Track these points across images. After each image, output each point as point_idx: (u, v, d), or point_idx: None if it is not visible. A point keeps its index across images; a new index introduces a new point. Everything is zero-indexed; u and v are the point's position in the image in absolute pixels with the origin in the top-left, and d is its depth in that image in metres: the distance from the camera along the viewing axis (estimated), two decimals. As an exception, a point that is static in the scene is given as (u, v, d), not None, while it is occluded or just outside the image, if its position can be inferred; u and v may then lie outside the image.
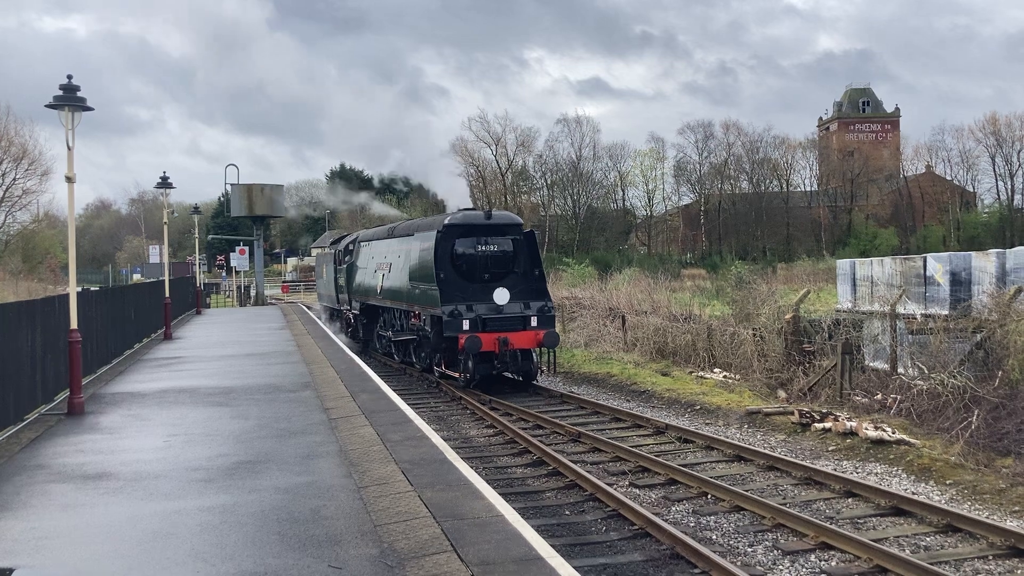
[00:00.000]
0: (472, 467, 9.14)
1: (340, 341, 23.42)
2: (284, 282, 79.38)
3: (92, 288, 24.14)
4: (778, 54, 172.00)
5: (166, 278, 28.52)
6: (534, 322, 18.22)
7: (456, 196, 22.17)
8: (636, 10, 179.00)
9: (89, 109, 12.55)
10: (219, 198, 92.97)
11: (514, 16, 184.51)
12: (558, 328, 20.03)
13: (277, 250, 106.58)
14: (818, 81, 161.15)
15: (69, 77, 12.49)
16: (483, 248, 18.71)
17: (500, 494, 8.05)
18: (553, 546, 6.68)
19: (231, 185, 49.65)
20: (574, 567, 6.03)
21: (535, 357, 18.84)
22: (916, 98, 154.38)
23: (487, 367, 18.17)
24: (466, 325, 17.72)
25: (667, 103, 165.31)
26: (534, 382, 18.97)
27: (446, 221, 19.01)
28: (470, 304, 18.02)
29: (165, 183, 24.82)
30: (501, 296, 18.28)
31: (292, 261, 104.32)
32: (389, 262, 22.11)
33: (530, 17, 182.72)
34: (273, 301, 55.07)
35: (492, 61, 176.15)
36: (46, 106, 12.43)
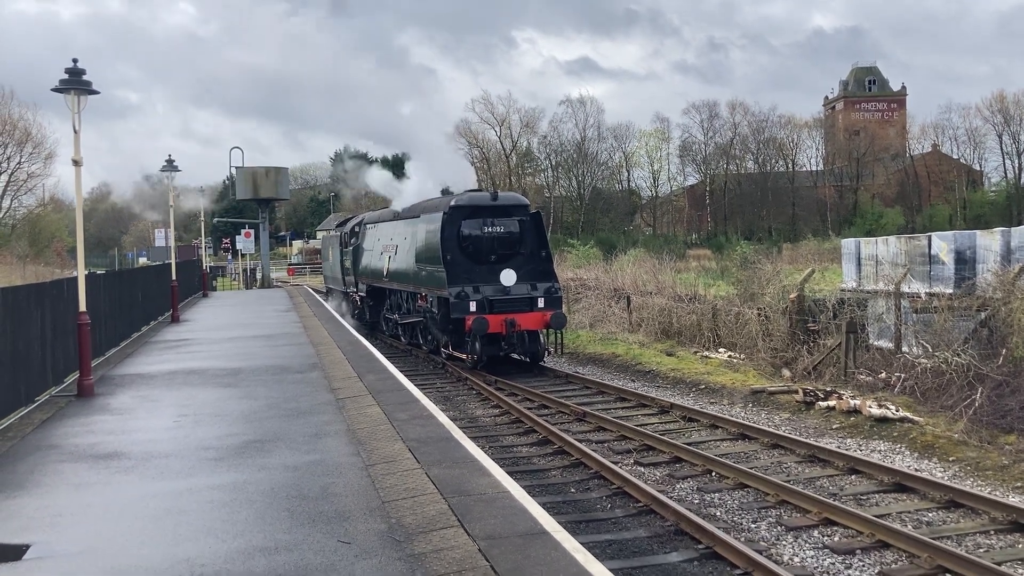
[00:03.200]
0: (478, 446, 9.24)
1: (346, 323, 23.53)
2: (290, 265, 79.53)
3: (99, 271, 24.26)
4: (771, 33, 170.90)
5: (173, 261, 28.62)
6: (541, 303, 18.25)
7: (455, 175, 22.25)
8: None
9: (95, 92, 12.61)
10: (224, 181, 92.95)
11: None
12: (563, 309, 20.10)
13: (282, 233, 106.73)
14: (811, 60, 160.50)
15: (75, 61, 12.54)
16: (489, 229, 18.68)
17: (506, 472, 8.15)
18: (559, 522, 6.77)
19: (236, 168, 49.66)
20: (580, 543, 6.12)
21: (542, 338, 18.90)
22: (912, 76, 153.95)
23: (494, 348, 18.20)
24: (473, 307, 17.75)
25: (659, 83, 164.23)
26: (541, 363, 19.03)
27: (452, 203, 18.98)
28: (477, 286, 18.05)
29: (171, 166, 24.89)
30: (508, 277, 18.28)
31: (297, 244, 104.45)
32: (395, 244, 22.15)
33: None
34: (279, 284, 55.20)
35: (480, 41, 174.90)
36: (52, 90, 12.48)
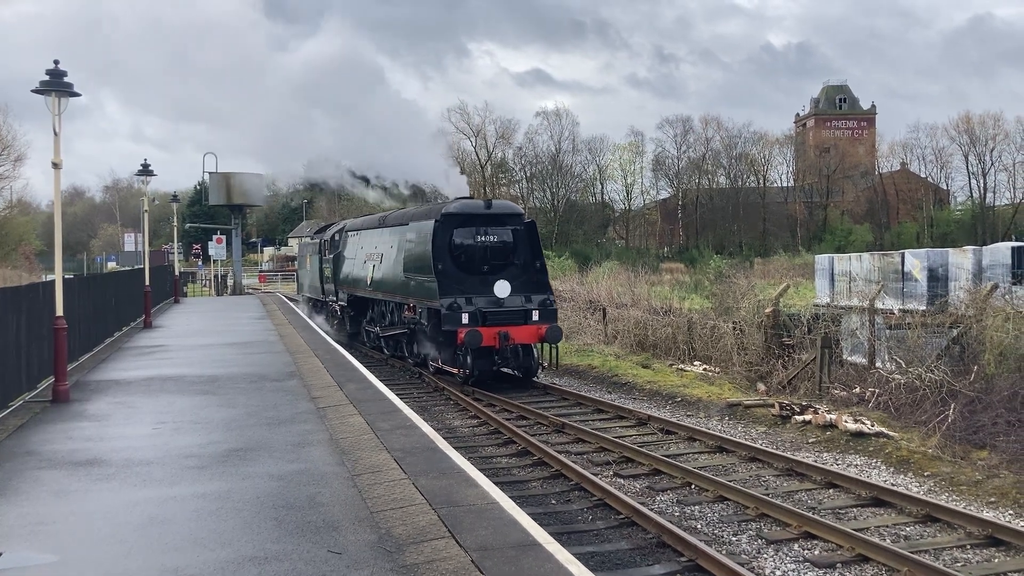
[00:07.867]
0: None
1: (322, 332, 23.38)
2: (261, 272, 78.93)
3: (67, 276, 23.90)
4: (721, 49, 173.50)
5: (146, 266, 28.27)
6: (536, 316, 17.61)
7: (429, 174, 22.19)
8: (582, 3, 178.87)
9: (76, 95, 12.47)
10: (195, 186, 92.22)
11: (457, 7, 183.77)
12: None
13: (254, 239, 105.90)
14: (763, 76, 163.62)
15: (56, 63, 12.40)
16: (483, 239, 17.95)
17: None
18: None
19: (209, 173, 49.25)
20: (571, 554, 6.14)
21: (536, 352, 18.35)
22: (866, 92, 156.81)
23: (486, 363, 17.55)
24: (465, 319, 17.04)
25: (615, 96, 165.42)
26: (534, 379, 18.37)
27: (444, 210, 18.29)
28: (469, 297, 17.37)
29: (146, 171, 24.64)
30: (502, 289, 17.63)
31: (269, 251, 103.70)
32: (380, 253, 21.61)
33: (472, 8, 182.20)
34: (251, 291, 54.81)
35: (433, 50, 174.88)
36: (32, 91, 12.34)
